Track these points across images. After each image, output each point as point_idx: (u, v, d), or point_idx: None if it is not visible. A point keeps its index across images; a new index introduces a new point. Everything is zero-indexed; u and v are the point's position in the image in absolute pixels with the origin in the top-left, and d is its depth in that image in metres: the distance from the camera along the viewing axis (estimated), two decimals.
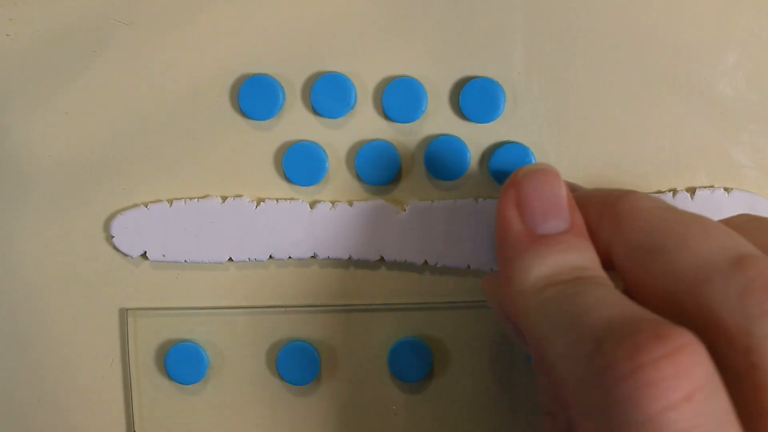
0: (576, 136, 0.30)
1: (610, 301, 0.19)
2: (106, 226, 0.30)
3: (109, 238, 0.30)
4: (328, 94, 0.29)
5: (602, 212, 0.22)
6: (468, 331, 0.31)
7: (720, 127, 0.29)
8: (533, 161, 0.29)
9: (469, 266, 0.30)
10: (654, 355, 0.17)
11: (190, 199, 0.30)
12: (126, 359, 0.31)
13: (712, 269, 0.19)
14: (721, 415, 0.17)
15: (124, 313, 0.31)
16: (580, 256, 0.21)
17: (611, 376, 0.17)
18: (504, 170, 0.29)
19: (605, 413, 0.17)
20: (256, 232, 0.30)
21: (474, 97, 0.29)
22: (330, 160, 0.30)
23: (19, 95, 0.30)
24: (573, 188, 0.25)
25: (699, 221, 0.21)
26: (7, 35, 0.29)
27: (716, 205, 0.29)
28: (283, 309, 0.31)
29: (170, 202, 0.30)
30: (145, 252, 0.30)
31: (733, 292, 0.19)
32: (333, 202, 0.30)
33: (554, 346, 0.19)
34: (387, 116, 0.29)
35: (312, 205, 0.30)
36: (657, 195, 0.30)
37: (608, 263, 0.22)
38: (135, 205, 0.30)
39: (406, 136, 0.30)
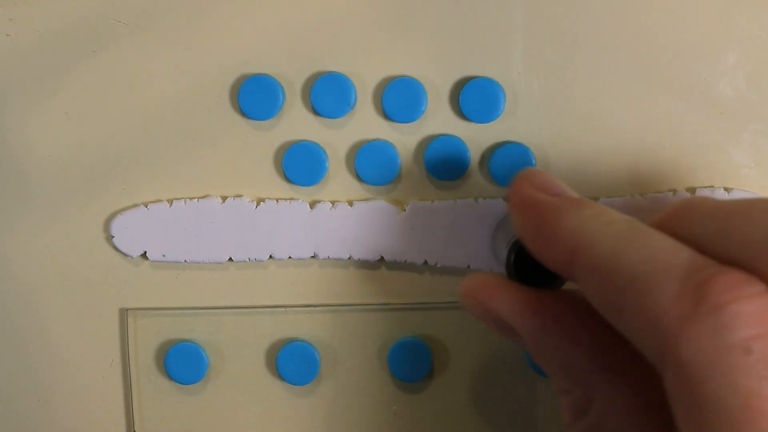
0: (576, 136, 0.30)
1: (682, 247, 0.20)
2: (106, 226, 0.30)
3: (109, 238, 0.30)
4: (328, 94, 0.29)
5: (660, 217, 0.23)
6: (468, 331, 0.31)
7: (720, 127, 0.29)
8: (533, 161, 0.29)
9: (469, 266, 0.30)
10: (747, 291, 0.18)
11: (190, 199, 0.30)
12: (126, 359, 0.31)
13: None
14: None
15: (124, 313, 0.31)
16: (616, 211, 0.22)
17: (708, 304, 0.18)
18: (504, 170, 0.29)
19: (700, 341, 0.18)
20: (256, 232, 0.30)
21: (474, 97, 0.29)
22: (330, 160, 0.30)
23: (19, 95, 0.30)
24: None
25: (760, 199, 0.21)
26: (7, 35, 0.29)
27: None
28: (283, 309, 0.31)
29: (170, 202, 0.30)
30: (145, 252, 0.30)
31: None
32: (333, 202, 0.30)
33: (628, 253, 0.20)
34: (387, 116, 0.29)
35: (312, 205, 0.30)
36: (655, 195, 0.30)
37: None
38: (135, 205, 0.30)
39: (406, 136, 0.30)
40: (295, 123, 0.30)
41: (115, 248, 0.30)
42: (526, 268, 0.24)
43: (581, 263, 0.21)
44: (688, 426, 0.18)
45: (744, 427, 0.17)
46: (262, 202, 0.30)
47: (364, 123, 0.30)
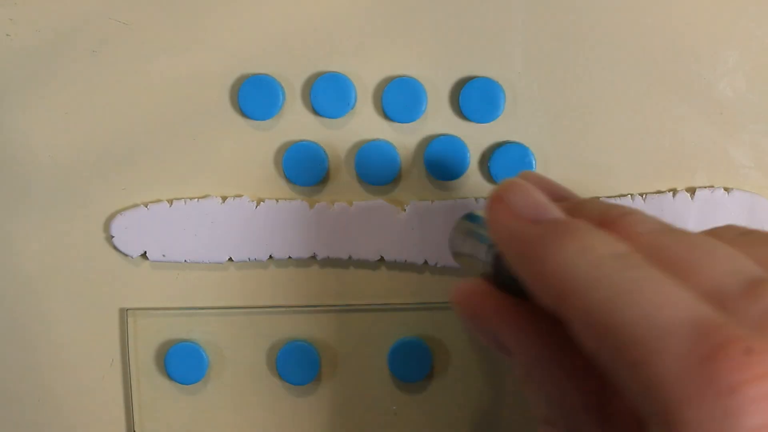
0: (576, 136, 0.30)
1: (682, 297, 0.18)
2: (106, 226, 0.30)
3: (109, 238, 0.30)
4: (328, 94, 0.29)
5: (599, 227, 0.21)
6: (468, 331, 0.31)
7: (720, 127, 0.29)
8: (533, 161, 0.29)
9: None
10: (762, 369, 0.16)
11: (190, 199, 0.30)
12: (126, 359, 0.31)
13: (724, 296, 0.18)
14: None
15: (124, 313, 0.31)
16: (598, 232, 0.20)
17: (721, 385, 0.16)
18: (504, 170, 0.29)
19: (711, 423, 0.16)
20: (256, 232, 0.30)
21: (474, 97, 0.29)
22: (330, 160, 0.30)
23: (19, 95, 0.30)
24: (566, 196, 0.25)
25: (703, 245, 0.20)
26: (7, 35, 0.29)
27: (716, 205, 0.29)
28: (283, 309, 0.31)
29: (170, 202, 0.30)
30: (145, 252, 0.30)
31: (749, 322, 0.18)
32: (333, 202, 0.30)
33: (626, 306, 0.18)
34: (387, 116, 0.29)
35: (312, 205, 0.30)
36: (657, 193, 0.30)
37: None
38: (135, 205, 0.30)
39: (406, 136, 0.30)
40: (295, 123, 0.30)
41: (115, 248, 0.30)
42: (508, 276, 0.22)
43: (570, 311, 0.19)
44: None
45: None
46: (262, 202, 0.30)
47: (364, 123, 0.30)
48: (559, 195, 0.24)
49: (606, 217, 0.22)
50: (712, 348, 0.16)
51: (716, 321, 0.17)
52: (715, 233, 0.22)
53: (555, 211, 0.22)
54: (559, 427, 0.22)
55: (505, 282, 0.22)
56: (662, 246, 0.20)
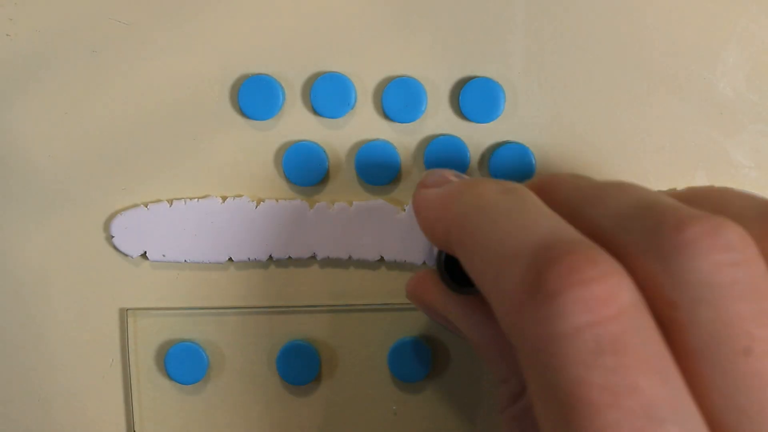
0: (576, 136, 0.30)
1: (544, 219, 0.20)
2: (106, 226, 0.30)
3: (109, 238, 0.30)
4: (328, 94, 0.29)
5: (532, 189, 0.24)
6: None
7: (720, 127, 0.29)
8: (533, 161, 0.29)
9: None
10: (586, 275, 0.17)
11: (190, 199, 0.30)
12: (126, 359, 0.31)
13: (626, 220, 0.20)
14: (648, 334, 0.17)
15: (124, 313, 0.31)
16: (499, 182, 0.23)
17: (543, 291, 0.18)
18: (504, 170, 0.29)
19: (535, 328, 0.18)
20: (256, 232, 0.30)
21: (474, 97, 0.29)
22: (330, 160, 0.30)
23: (19, 95, 0.30)
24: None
25: (617, 183, 0.22)
26: (7, 35, 0.29)
27: None
28: (283, 309, 0.31)
29: (170, 202, 0.30)
30: (145, 252, 0.30)
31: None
32: (333, 202, 0.30)
33: (488, 257, 0.20)
34: (387, 116, 0.29)
35: (312, 205, 0.30)
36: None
37: None
38: (135, 205, 0.30)
39: (406, 136, 0.30)
40: (295, 123, 0.30)
41: (115, 248, 0.30)
42: (455, 269, 0.25)
43: (452, 240, 0.22)
44: (537, 412, 0.18)
45: (572, 415, 0.17)
46: (262, 202, 0.30)
47: (364, 123, 0.30)
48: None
49: (538, 180, 0.24)
50: (545, 261, 0.18)
51: (562, 237, 0.19)
52: (673, 193, 0.23)
53: (459, 178, 0.25)
54: (511, 381, 0.24)
55: (446, 267, 0.25)
56: (580, 186, 0.22)
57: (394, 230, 0.30)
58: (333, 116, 0.29)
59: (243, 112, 0.29)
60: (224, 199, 0.30)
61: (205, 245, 0.30)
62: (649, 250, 0.19)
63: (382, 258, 0.30)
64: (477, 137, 0.30)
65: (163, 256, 0.30)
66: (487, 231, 0.20)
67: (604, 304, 0.17)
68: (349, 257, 0.30)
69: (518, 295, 0.18)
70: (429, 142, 0.29)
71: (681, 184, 0.30)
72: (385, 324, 0.31)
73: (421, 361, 0.30)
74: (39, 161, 0.30)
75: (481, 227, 0.21)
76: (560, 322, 0.17)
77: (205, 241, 0.30)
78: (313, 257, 0.30)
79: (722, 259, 0.18)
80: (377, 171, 0.30)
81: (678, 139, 0.29)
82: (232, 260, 0.30)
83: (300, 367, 0.30)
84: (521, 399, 0.23)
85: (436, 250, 0.26)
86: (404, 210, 0.30)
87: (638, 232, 0.19)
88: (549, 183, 0.24)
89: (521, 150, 0.29)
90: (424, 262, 0.30)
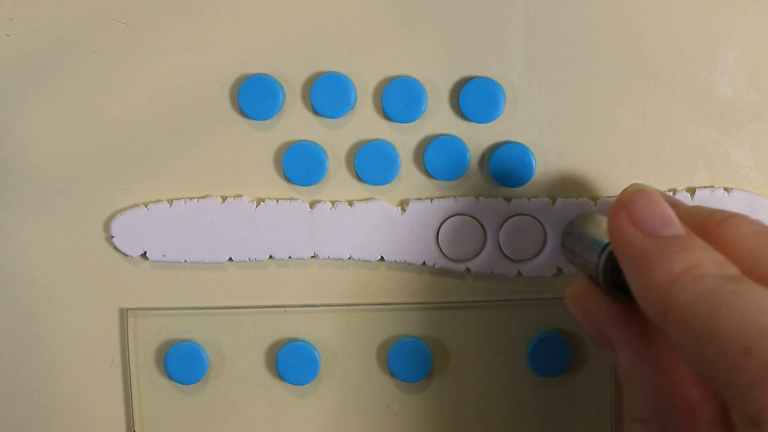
0: (576, 136, 0.30)
1: (764, 308, 0.19)
2: (106, 226, 0.30)
3: (109, 238, 0.30)
4: (328, 94, 0.29)
5: (702, 233, 0.22)
6: (468, 331, 0.31)
7: (720, 127, 0.29)
8: (533, 161, 0.29)
9: (467, 268, 0.30)
10: None
11: (190, 199, 0.30)
12: (126, 359, 0.31)
13: None
14: None
15: (124, 313, 0.31)
16: (713, 254, 0.21)
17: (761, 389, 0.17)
18: (504, 170, 0.29)
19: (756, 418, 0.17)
20: (256, 232, 0.30)
21: (474, 97, 0.29)
22: (330, 160, 0.30)
23: (19, 95, 0.30)
24: (673, 203, 0.25)
25: None
26: (7, 35, 0.29)
27: (716, 205, 0.29)
28: (283, 309, 0.31)
29: (170, 202, 0.30)
30: (145, 252, 0.30)
31: None
32: (333, 202, 0.30)
33: (707, 345, 0.19)
34: (387, 116, 0.29)
35: (312, 205, 0.30)
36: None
37: None
38: (135, 205, 0.30)
39: (406, 136, 0.30)
40: (295, 123, 0.30)
41: (115, 248, 0.30)
42: (620, 277, 0.24)
43: (672, 322, 0.20)
44: None
45: None
46: (262, 202, 0.30)
47: (364, 123, 0.30)
48: (668, 202, 0.24)
49: (711, 219, 0.23)
50: None
51: None
52: None
53: (674, 228, 0.22)
54: (653, 425, 0.23)
55: (615, 283, 0.24)
56: (764, 247, 0.21)
57: (394, 230, 0.30)
58: (333, 116, 0.29)
59: (243, 112, 0.29)
60: (224, 199, 0.30)
61: (205, 245, 0.30)
62: None
63: (382, 258, 0.30)
64: (477, 137, 0.30)
65: (163, 256, 0.30)
66: (721, 315, 0.19)
67: None
68: (349, 257, 0.30)
69: (731, 378, 0.18)
70: (429, 142, 0.29)
71: (681, 184, 0.30)
72: (385, 324, 0.31)
73: (421, 361, 0.30)
74: (39, 161, 0.30)
75: (713, 311, 0.19)
76: None
77: (205, 241, 0.30)
78: (313, 257, 0.30)
79: None
80: (377, 171, 0.30)
81: (678, 139, 0.29)
82: (232, 260, 0.30)
83: (300, 367, 0.30)
84: None
85: (602, 258, 0.24)
86: (404, 210, 0.30)
87: None
88: (725, 232, 0.22)
89: (521, 150, 0.29)
90: (424, 262, 0.30)
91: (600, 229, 0.25)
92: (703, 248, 0.21)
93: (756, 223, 0.22)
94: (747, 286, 0.20)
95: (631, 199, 0.23)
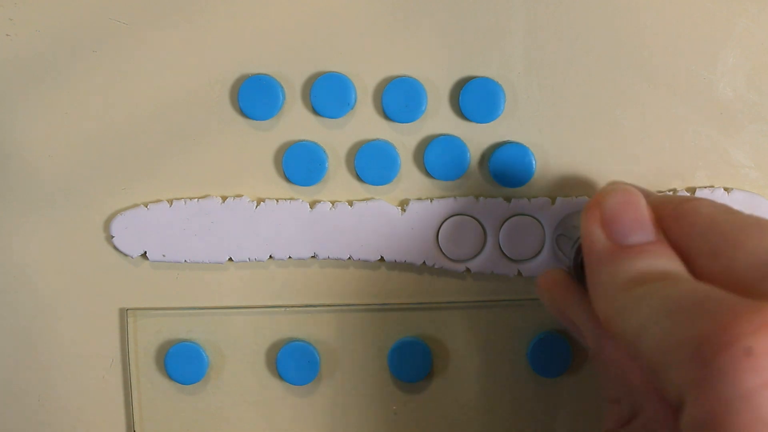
0: (576, 136, 0.30)
1: (702, 289, 0.20)
2: (106, 226, 0.30)
3: (109, 238, 0.30)
4: (328, 94, 0.29)
5: (665, 215, 0.23)
6: (468, 331, 0.31)
7: (720, 127, 0.29)
8: (533, 161, 0.29)
9: (467, 268, 0.30)
10: (750, 327, 0.17)
11: (190, 199, 0.30)
12: (126, 359, 0.31)
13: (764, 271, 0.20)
14: None
15: (124, 313, 0.31)
16: (668, 262, 0.22)
17: (710, 350, 0.17)
18: (504, 170, 0.29)
19: (703, 388, 0.18)
20: (256, 232, 0.30)
21: (474, 97, 0.29)
22: (330, 160, 0.30)
23: (19, 95, 0.30)
24: (646, 194, 0.25)
25: (756, 222, 0.21)
26: (7, 35, 0.29)
27: None
28: (283, 309, 0.31)
29: (170, 202, 0.30)
30: (145, 252, 0.30)
31: None
32: (333, 202, 0.30)
33: (650, 333, 0.20)
34: (387, 116, 0.29)
35: (312, 205, 0.30)
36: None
37: None
38: (135, 205, 0.30)
39: (406, 136, 0.30)
40: (295, 123, 0.30)
41: (115, 248, 0.30)
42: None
43: (610, 335, 0.21)
44: None
45: None
46: (262, 202, 0.30)
47: (364, 123, 0.30)
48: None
49: (672, 202, 0.23)
50: (714, 350, 0.18)
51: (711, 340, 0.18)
52: None
53: (643, 233, 0.23)
54: (623, 404, 0.24)
55: (582, 276, 0.25)
56: (718, 222, 0.22)
57: (394, 230, 0.30)
58: (333, 116, 0.29)
59: (243, 112, 0.29)
60: (224, 199, 0.30)
61: (205, 245, 0.30)
62: None
63: (382, 258, 0.30)
64: (477, 137, 0.30)
65: (163, 256, 0.30)
66: (647, 335, 0.20)
67: None
68: (349, 257, 0.30)
69: (682, 355, 0.18)
70: (429, 142, 0.29)
71: (681, 184, 0.30)
72: (385, 324, 0.31)
73: (421, 361, 0.30)
74: (39, 161, 0.30)
75: (642, 330, 0.20)
76: (730, 386, 0.17)
77: (205, 241, 0.30)
78: (313, 257, 0.30)
79: None
80: (377, 171, 0.30)
81: (678, 139, 0.29)
82: (232, 260, 0.30)
83: (300, 367, 0.30)
84: (629, 424, 0.23)
85: (574, 248, 0.25)
86: (404, 210, 0.30)
87: None
88: (684, 211, 0.23)
89: (521, 150, 0.29)
90: (424, 262, 0.30)
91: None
92: (661, 256, 0.22)
93: (716, 204, 0.23)
94: (681, 281, 0.21)
95: (606, 199, 0.23)
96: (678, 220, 0.22)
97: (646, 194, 0.25)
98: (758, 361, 0.17)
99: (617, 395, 0.24)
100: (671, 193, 0.30)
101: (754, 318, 0.18)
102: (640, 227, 0.23)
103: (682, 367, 0.18)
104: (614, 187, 0.24)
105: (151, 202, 0.30)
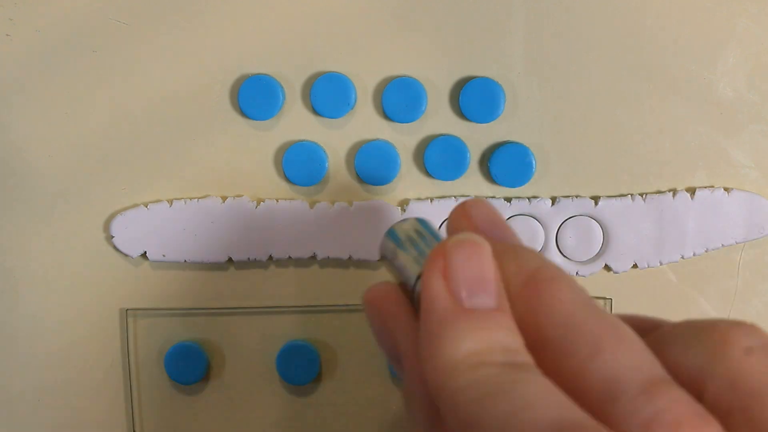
0: (576, 136, 0.30)
1: (550, 401, 0.18)
2: (106, 226, 0.30)
3: (109, 238, 0.30)
4: (328, 94, 0.29)
5: (522, 286, 0.21)
6: None
7: (720, 127, 0.29)
8: (533, 161, 0.29)
9: None
10: None
11: (190, 199, 0.30)
12: (126, 359, 0.31)
13: (621, 390, 0.18)
14: None
15: (124, 313, 0.31)
16: (509, 338, 0.20)
17: None
18: (504, 170, 0.29)
19: None
20: (256, 232, 0.30)
21: (474, 97, 0.29)
22: (330, 160, 0.30)
23: (19, 95, 0.30)
24: (504, 236, 0.23)
25: (615, 330, 0.20)
26: (7, 35, 0.29)
27: (716, 205, 0.29)
28: (283, 309, 0.31)
29: (170, 202, 0.30)
30: (145, 252, 0.30)
31: (639, 421, 0.18)
32: (333, 202, 0.30)
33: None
34: (387, 116, 0.29)
35: (312, 205, 0.30)
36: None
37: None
38: (135, 205, 0.30)
39: (406, 136, 0.30)
40: (295, 123, 0.30)
41: (115, 248, 0.30)
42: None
43: (443, 404, 0.19)
44: None
45: None
46: (262, 202, 0.30)
47: (364, 123, 0.30)
48: (499, 230, 0.23)
49: (538, 274, 0.21)
50: None
51: (578, 424, 0.17)
52: (661, 329, 0.21)
53: (485, 297, 0.21)
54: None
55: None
56: (580, 320, 0.20)
57: None
58: (333, 116, 0.29)
59: (243, 112, 0.29)
60: (224, 199, 0.30)
61: (205, 245, 0.30)
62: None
63: None
64: (477, 137, 0.30)
65: (163, 256, 0.30)
66: (485, 412, 0.18)
67: None
68: (349, 257, 0.30)
69: None
70: (429, 142, 0.29)
71: (681, 184, 0.30)
72: None
73: None
74: (39, 161, 0.30)
75: (478, 405, 0.19)
76: None
77: (205, 241, 0.30)
78: (313, 257, 0.30)
79: None
80: (377, 171, 0.30)
81: (678, 139, 0.30)
82: (232, 260, 0.30)
83: (300, 367, 0.30)
84: None
85: (411, 269, 0.22)
86: (404, 210, 0.30)
87: (630, 419, 0.18)
88: (539, 290, 0.21)
89: (521, 150, 0.29)
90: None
91: (428, 248, 0.23)
92: (503, 328, 0.20)
93: (578, 291, 0.21)
94: (527, 375, 0.19)
95: (453, 250, 0.21)
96: (531, 298, 0.21)
97: (512, 235, 0.23)
98: None
99: (423, 429, 0.22)
100: (671, 193, 0.29)
101: None
102: (484, 288, 0.21)
103: None
104: (462, 237, 0.21)
105: (151, 202, 0.30)
